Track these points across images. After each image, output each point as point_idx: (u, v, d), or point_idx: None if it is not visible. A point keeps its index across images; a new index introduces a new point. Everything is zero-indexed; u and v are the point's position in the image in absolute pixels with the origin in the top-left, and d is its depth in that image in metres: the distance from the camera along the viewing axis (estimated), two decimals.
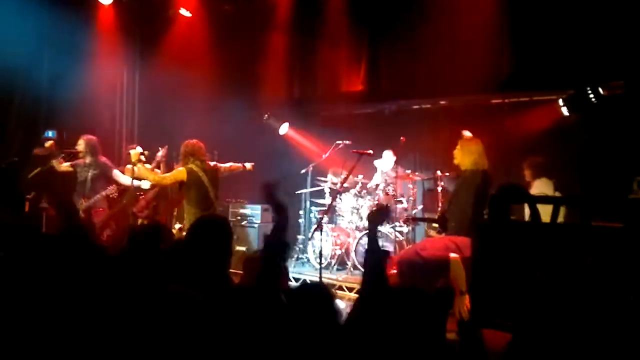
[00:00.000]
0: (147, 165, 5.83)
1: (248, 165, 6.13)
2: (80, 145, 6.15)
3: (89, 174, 6.08)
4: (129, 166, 5.75)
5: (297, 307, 2.05)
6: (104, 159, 6.23)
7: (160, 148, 6.66)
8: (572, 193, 5.85)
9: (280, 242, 2.58)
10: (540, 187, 6.01)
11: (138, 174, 5.63)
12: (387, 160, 7.17)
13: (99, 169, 6.11)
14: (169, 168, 6.22)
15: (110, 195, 6.07)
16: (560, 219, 5.17)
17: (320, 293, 2.12)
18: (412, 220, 6.68)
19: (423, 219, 6.15)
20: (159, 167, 6.28)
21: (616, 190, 5.43)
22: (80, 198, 6.04)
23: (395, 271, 4.10)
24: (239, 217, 7.60)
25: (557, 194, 5.71)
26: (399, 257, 4.37)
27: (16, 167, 6.46)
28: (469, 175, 4.83)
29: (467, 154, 4.87)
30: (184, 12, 7.81)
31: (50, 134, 7.43)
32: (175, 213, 6.45)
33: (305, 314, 2.01)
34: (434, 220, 4.54)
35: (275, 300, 2.23)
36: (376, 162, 7.22)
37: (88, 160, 6.12)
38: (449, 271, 4.38)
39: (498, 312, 3.34)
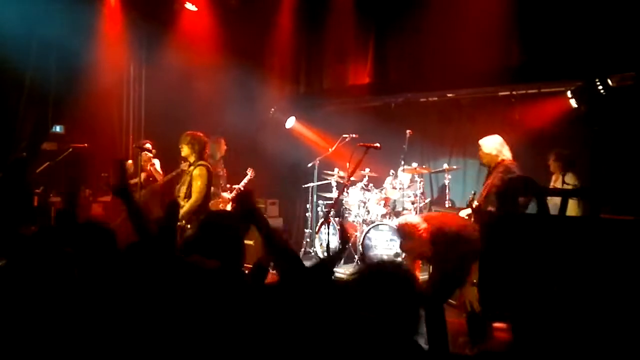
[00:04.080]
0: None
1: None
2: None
3: None
4: None
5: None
6: None
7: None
8: (583, 185, 5.80)
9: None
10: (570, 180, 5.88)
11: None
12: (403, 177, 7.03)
13: None
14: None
15: None
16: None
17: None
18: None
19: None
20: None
21: (627, 183, 5.38)
22: None
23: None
24: None
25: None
26: (430, 228, 4.14)
27: (24, 162, 6.50)
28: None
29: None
30: (189, 6, 7.79)
31: (58, 129, 7.47)
32: None
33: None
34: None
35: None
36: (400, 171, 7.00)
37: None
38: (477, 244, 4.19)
39: (506, 305, 3.32)
